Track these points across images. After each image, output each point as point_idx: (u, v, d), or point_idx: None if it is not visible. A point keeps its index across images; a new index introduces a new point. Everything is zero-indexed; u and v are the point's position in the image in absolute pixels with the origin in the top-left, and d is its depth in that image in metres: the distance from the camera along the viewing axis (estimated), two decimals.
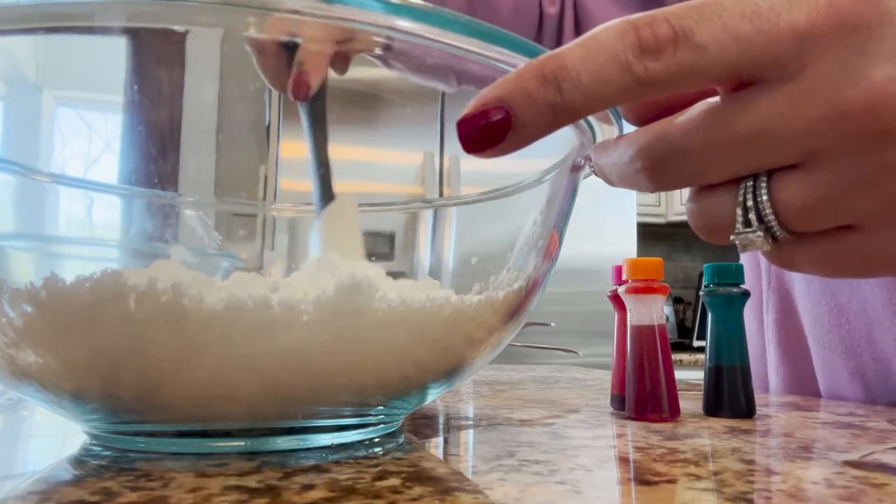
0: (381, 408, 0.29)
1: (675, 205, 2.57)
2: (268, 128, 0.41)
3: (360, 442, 0.29)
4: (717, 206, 0.22)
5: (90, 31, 0.25)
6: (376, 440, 0.29)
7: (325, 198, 0.34)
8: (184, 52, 0.33)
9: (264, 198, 0.43)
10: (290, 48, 0.32)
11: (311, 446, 0.27)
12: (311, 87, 0.33)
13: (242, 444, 0.27)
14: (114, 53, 0.31)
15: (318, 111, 0.34)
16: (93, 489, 0.21)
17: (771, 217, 0.21)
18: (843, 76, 0.19)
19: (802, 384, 0.56)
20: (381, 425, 0.30)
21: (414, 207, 0.43)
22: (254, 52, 0.33)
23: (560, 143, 0.31)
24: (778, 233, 0.22)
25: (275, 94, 0.36)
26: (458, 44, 0.25)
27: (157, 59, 0.33)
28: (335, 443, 0.28)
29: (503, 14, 0.58)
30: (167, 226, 0.37)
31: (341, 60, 0.34)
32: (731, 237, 0.22)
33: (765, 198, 0.21)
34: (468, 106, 0.22)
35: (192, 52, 0.34)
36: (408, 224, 0.42)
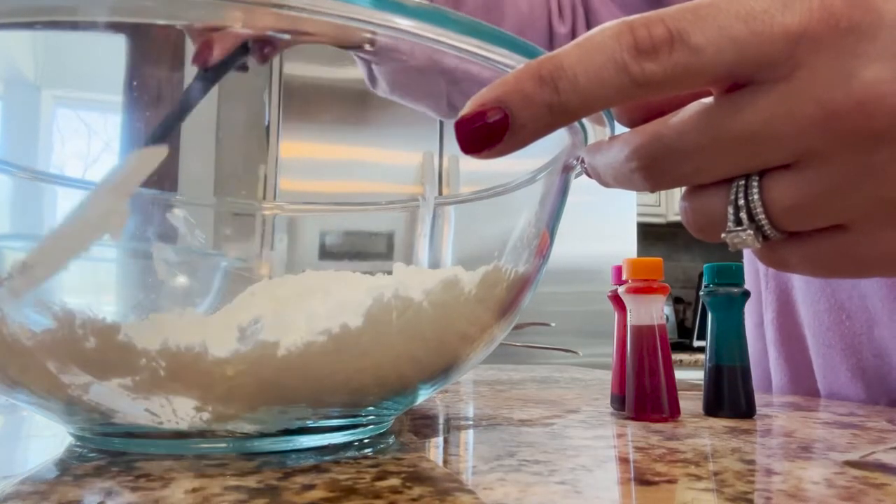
0: (372, 408, 0.29)
1: (675, 205, 2.55)
2: (267, 128, 0.41)
3: (351, 443, 0.29)
4: (710, 205, 0.22)
5: (86, 27, 0.25)
6: (367, 441, 0.29)
7: (152, 138, 0.34)
8: (183, 50, 0.33)
9: (264, 197, 0.43)
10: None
11: (301, 447, 0.27)
12: (210, 58, 0.34)
13: (225, 445, 0.26)
14: (112, 53, 0.31)
15: (203, 86, 0.35)
16: (93, 489, 0.21)
17: (762, 216, 0.21)
18: (835, 77, 0.19)
19: (801, 383, 0.56)
20: (372, 426, 0.30)
21: (408, 206, 0.43)
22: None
23: (552, 142, 0.31)
24: (769, 232, 0.22)
25: (275, 94, 0.35)
26: (458, 44, 0.25)
27: (155, 58, 0.33)
28: (325, 444, 0.28)
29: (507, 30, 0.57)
30: (153, 224, 0.37)
31: (267, 46, 0.34)
32: (722, 235, 0.22)
33: (756, 197, 0.21)
34: (466, 107, 0.22)
35: (192, 52, 0.34)
36: (406, 223, 0.42)
